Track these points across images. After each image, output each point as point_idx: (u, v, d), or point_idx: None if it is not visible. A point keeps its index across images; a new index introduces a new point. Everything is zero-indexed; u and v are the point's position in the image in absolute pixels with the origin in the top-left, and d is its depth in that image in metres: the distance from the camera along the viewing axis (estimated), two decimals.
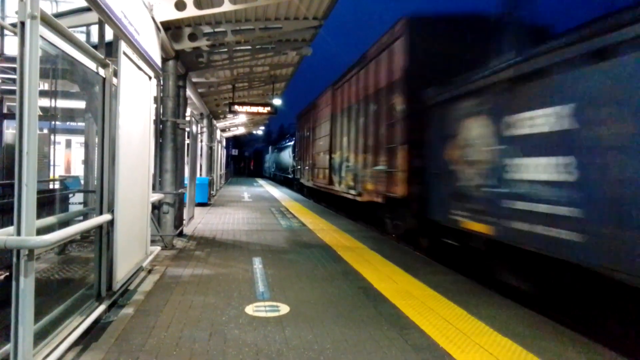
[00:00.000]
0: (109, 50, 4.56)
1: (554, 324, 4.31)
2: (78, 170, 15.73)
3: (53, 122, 7.50)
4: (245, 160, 76.97)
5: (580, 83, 4.37)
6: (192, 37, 8.07)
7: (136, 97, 4.82)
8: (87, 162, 7.05)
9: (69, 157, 18.02)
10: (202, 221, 11.23)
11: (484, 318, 4.40)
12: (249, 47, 10.54)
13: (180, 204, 8.79)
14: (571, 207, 4.37)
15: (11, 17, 8.80)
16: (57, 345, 3.04)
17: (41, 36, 2.67)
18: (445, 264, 6.84)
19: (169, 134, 7.89)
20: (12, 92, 10.33)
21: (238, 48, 10.38)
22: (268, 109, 14.88)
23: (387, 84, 9.68)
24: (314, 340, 3.77)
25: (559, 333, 4.07)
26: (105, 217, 4.07)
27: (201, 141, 16.51)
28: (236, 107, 14.38)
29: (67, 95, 9.03)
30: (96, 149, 4.39)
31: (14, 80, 9.39)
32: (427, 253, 7.93)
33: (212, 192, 17.68)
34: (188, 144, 11.07)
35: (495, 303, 4.94)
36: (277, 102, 15.78)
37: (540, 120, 4.90)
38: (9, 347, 2.59)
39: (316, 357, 3.44)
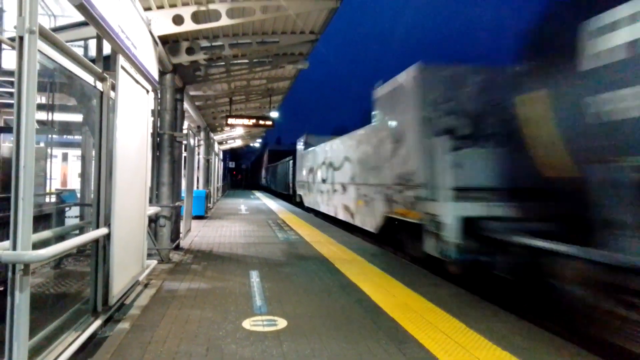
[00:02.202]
0: (107, 64, 4.58)
1: (552, 336, 4.29)
2: (74, 183, 15.66)
3: (50, 136, 7.49)
4: (243, 172, 77.01)
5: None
6: (190, 51, 8.13)
7: (134, 111, 4.83)
8: (83, 175, 7.04)
9: (65, 171, 17.95)
10: (199, 234, 11.18)
11: (482, 331, 4.37)
12: (246, 61, 10.62)
13: (177, 217, 8.76)
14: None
15: (10, 32, 8.84)
16: None
17: (39, 50, 2.69)
18: (443, 277, 6.80)
19: (166, 147, 7.90)
20: (10, 105, 10.34)
21: (235, 62, 10.45)
22: (265, 121, 14.92)
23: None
24: (312, 354, 3.74)
25: (558, 346, 4.04)
26: (102, 230, 4.05)
27: (198, 154, 16.50)
28: (233, 120, 14.41)
29: (64, 108, 9.03)
30: (93, 162, 4.38)
31: (11, 94, 9.41)
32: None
33: (209, 204, 17.63)
34: (185, 157, 11.08)
35: (493, 316, 4.91)
36: (274, 115, 15.83)
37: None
38: None
39: None
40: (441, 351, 3.85)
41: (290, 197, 27.59)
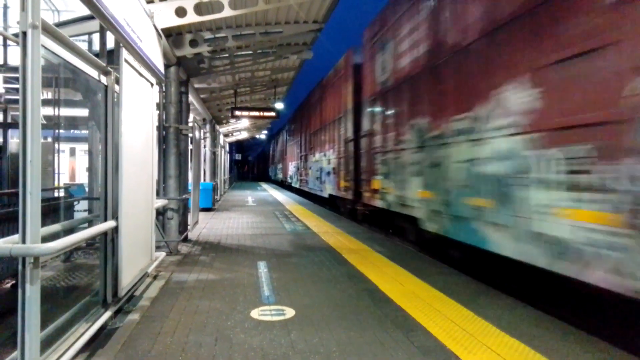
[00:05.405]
0: (111, 58, 4.59)
1: (560, 323, 4.28)
2: (83, 177, 15.81)
3: (57, 131, 7.55)
4: (249, 164, 77.22)
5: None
6: (193, 43, 8.11)
7: (138, 104, 4.84)
8: (91, 169, 7.09)
9: (73, 165, 18.13)
10: (206, 226, 11.25)
11: (490, 318, 4.38)
12: (250, 52, 10.59)
13: (185, 209, 8.82)
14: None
15: (14, 28, 8.88)
16: (64, 352, 3.05)
17: (43, 45, 2.69)
18: (449, 264, 6.82)
19: (172, 140, 7.92)
20: (17, 101, 10.42)
21: (239, 53, 10.43)
22: (270, 113, 14.92)
23: None
24: (320, 343, 3.77)
25: (566, 332, 4.04)
26: (110, 223, 4.08)
27: (204, 146, 16.55)
28: (238, 112, 14.42)
29: (70, 103, 9.09)
30: (100, 156, 4.41)
31: (17, 90, 9.47)
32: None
33: (216, 197, 17.70)
34: (191, 150, 11.12)
35: (501, 303, 4.91)
36: (279, 106, 15.83)
37: None
38: (15, 354, 2.61)
39: None
40: (449, 339, 3.87)
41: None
